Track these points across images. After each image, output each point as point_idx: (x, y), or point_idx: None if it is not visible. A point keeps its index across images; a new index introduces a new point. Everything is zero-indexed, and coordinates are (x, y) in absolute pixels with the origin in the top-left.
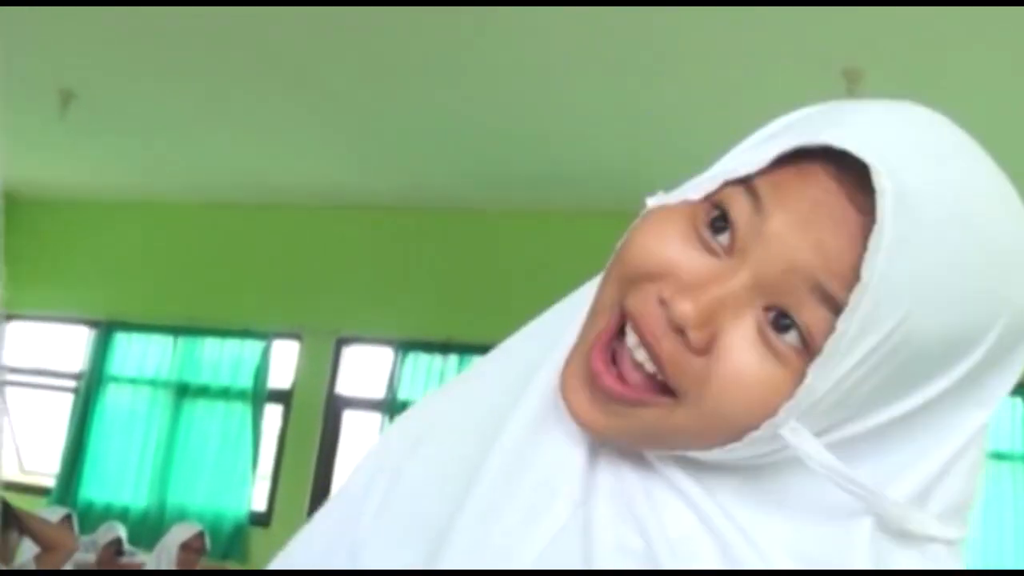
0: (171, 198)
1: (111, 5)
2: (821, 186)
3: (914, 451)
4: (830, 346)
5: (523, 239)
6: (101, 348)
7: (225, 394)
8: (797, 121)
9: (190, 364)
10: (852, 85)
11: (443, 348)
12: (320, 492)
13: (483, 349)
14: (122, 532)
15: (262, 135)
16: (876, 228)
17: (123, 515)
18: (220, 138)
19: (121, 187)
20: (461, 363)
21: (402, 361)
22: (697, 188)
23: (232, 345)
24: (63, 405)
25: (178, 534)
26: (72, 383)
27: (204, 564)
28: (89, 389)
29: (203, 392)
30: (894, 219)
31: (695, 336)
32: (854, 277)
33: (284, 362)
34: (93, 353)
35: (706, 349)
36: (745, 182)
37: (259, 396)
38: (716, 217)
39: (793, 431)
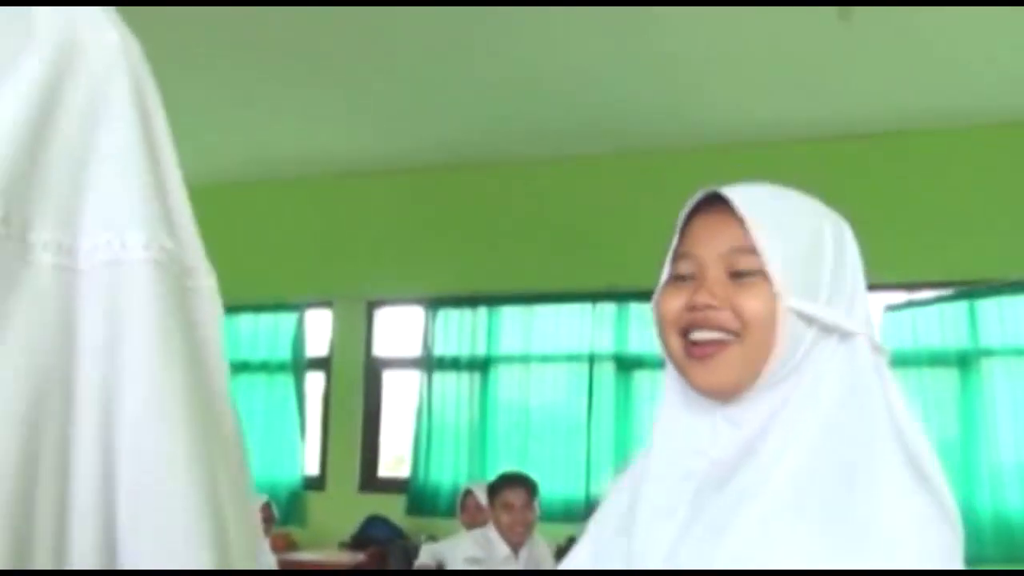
0: (196, 181)
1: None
2: (707, 219)
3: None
4: (763, 246)
5: (541, 188)
6: None
7: (266, 367)
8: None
9: (229, 340)
10: (844, 22)
11: (472, 302)
12: (369, 451)
13: (511, 300)
14: None
15: (277, 110)
16: (744, 210)
17: None
18: (236, 118)
19: None
20: (491, 316)
21: (434, 318)
22: (665, 275)
23: (267, 319)
24: None
25: None
26: None
27: (272, 532)
28: None
29: (244, 367)
30: (746, 206)
31: (715, 299)
32: (750, 239)
33: (319, 330)
34: None
35: (727, 302)
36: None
37: (299, 365)
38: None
39: (797, 301)
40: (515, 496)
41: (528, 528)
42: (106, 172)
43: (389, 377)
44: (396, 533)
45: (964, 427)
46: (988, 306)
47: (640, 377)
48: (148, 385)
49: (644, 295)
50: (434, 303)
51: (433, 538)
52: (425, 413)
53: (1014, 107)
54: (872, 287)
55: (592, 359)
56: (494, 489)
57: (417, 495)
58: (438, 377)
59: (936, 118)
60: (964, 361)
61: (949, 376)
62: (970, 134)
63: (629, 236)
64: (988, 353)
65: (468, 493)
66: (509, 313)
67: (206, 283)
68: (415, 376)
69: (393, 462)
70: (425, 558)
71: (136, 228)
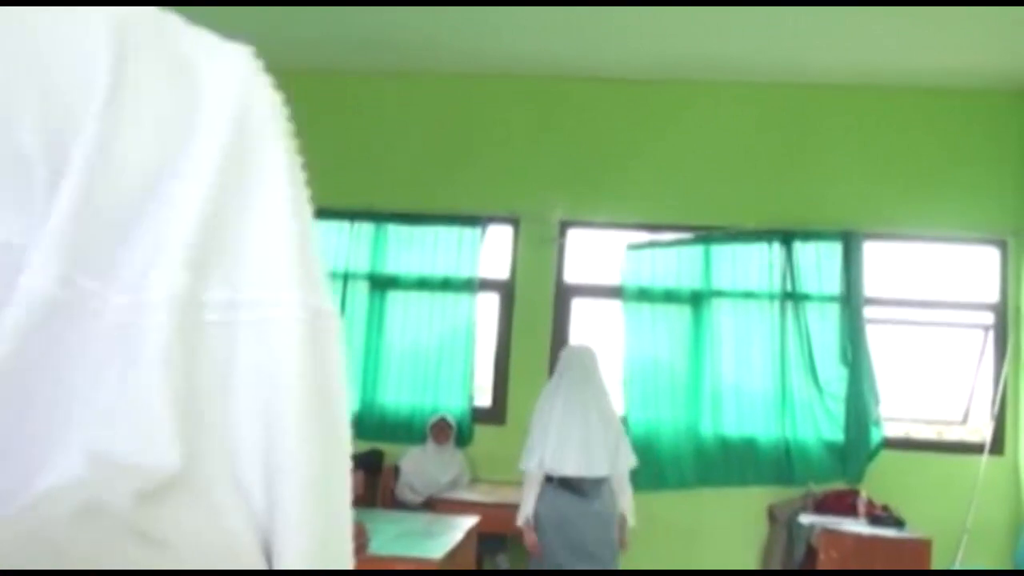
0: None
1: None
2: None
3: None
4: None
5: (306, 101)
6: None
7: None
8: None
9: None
10: None
11: None
12: None
13: None
14: None
15: None
16: None
17: None
18: None
19: None
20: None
21: None
22: None
23: None
24: None
25: None
26: None
27: None
28: None
29: None
30: None
31: None
32: None
33: None
34: None
35: None
36: None
37: None
38: None
39: None
40: None
41: None
42: (260, 228)
43: None
44: None
45: (693, 359)
46: (721, 251)
47: (393, 297)
48: (302, 446)
49: (401, 217)
50: None
51: None
52: None
53: (766, 67)
54: (616, 226)
55: (347, 277)
56: None
57: None
58: None
59: (690, 70)
60: (696, 299)
61: (682, 312)
62: (723, 89)
63: (390, 158)
64: (718, 294)
65: None
66: None
67: (334, 324)
68: None
69: None
70: None
71: (291, 288)
